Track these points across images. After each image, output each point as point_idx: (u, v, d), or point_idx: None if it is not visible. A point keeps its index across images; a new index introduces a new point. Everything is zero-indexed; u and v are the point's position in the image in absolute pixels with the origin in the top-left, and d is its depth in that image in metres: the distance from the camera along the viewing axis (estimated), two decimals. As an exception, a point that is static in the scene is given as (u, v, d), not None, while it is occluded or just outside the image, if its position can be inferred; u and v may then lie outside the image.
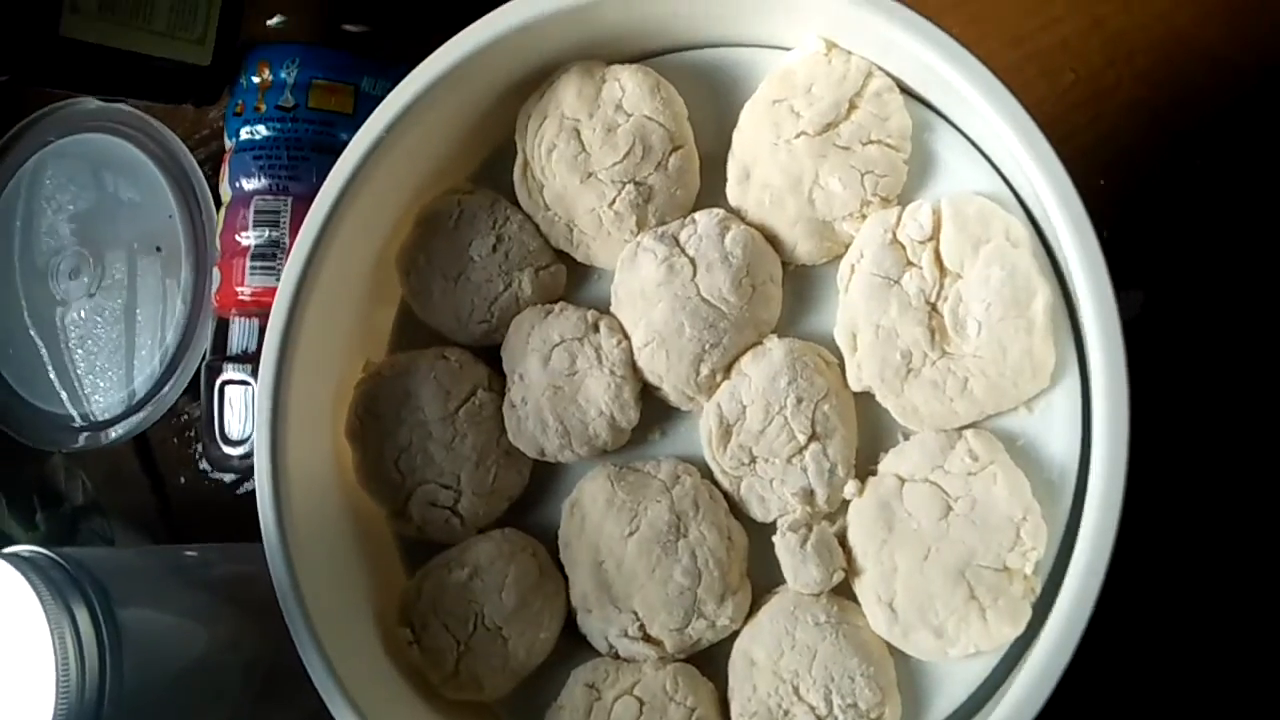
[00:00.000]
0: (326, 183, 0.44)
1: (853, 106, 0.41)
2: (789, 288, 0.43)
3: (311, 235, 0.44)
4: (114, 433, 0.64)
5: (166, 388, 0.61)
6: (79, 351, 0.65)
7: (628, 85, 0.44)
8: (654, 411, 0.45)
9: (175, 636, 0.44)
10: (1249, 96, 0.50)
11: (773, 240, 0.43)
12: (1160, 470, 0.49)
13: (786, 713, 0.39)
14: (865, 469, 0.41)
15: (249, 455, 0.54)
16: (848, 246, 0.42)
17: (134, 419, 0.63)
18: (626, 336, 0.44)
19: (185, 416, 0.65)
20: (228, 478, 0.63)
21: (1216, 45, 0.50)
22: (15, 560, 0.39)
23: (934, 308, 0.39)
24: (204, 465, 0.63)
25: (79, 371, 0.64)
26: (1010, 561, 0.37)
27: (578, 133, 0.44)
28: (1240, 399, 0.50)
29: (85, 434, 0.65)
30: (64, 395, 0.65)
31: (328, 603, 0.43)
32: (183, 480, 0.65)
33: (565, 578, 0.44)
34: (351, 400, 0.46)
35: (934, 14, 0.37)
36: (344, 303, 0.46)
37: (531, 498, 0.46)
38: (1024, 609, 0.37)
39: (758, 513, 0.42)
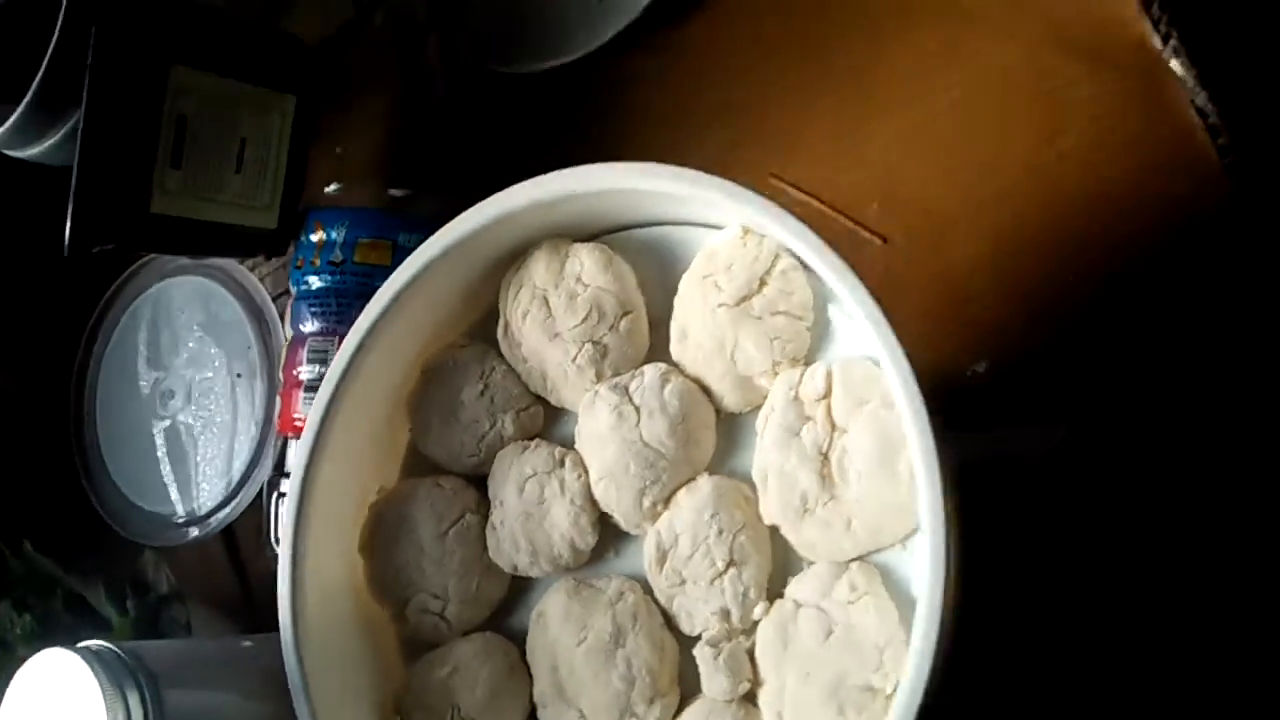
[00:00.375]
0: (346, 339, 0.53)
1: (763, 282, 0.48)
2: (720, 431, 0.50)
3: (334, 378, 0.53)
4: (194, 531, 0.75)
5: (235, 500, 0.71)
6: (173, 461, 0.76)
7: (586, 261, 0.51)
8: (609, 535, 0.51)
9: (218, 714, 0.53)
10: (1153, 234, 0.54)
11: (706, 391, 0.50)
12: (1080, 600, 0.53)
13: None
14: (776, 592, 0.47)
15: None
16: (765, 398, 0.48)
17: (217, 516, 0.74)
18: (586, 471, 0.51)
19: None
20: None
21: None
22: (84, 653, 0.48)
23: (825, 457, 0.45)
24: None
25: (173, 478, 0.76)
26: (874, 681, 0.42)
27: (546, 300, 0.52)
28: (1158, 529, 0.53)
29: (187, 528, 0.76)
30: (170, 495, 0.76)
31: (335, 691, 0.51)
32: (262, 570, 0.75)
33: (531, 677, 0.51)
34: (364, 520, 0.55)
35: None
36: (363, 434, 0.55)
37: (509, 605, 0.53)
38: None
39: (685, 626, 0.48)
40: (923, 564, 0.43)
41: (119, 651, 0.50)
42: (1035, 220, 0.56)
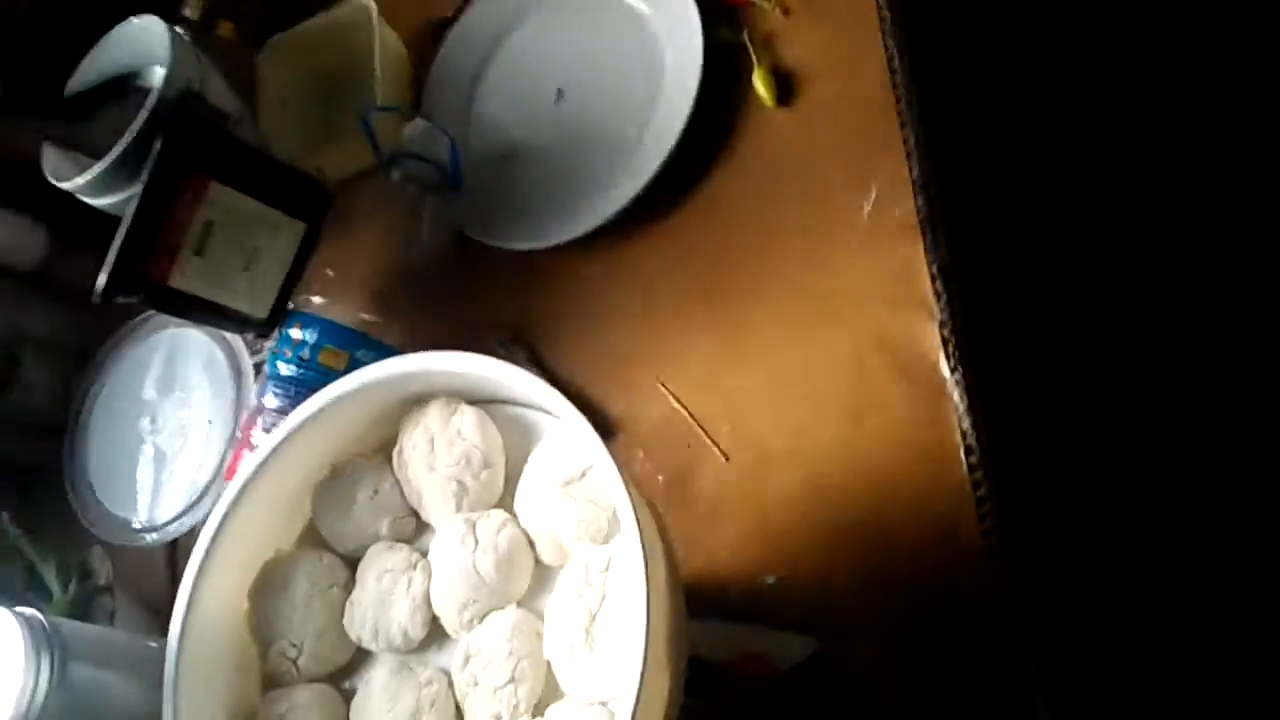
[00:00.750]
0: (276, 430, 0.68)
1: (584, 474, 0.62)
2: (535, 574, 0.64)
3: (259, 457, 0.67)
4: (149, 538, 0.89)
5: (181, 521, 0.86)
6: (144, 476, 0.91)
7: (467, 420, 0.66)
8: (436, 632, 0.64)
9: (105, 689, 0.67)
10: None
11: (531, 542, 0.64)
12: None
13: None
14: (539, 711, 0.60)
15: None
16: (569, 561, 0.62)
17: (166, 530, 0.88)
18: (430, 578, 0.65)
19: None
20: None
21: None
22: (19, 616, 0.63)
23: (594, 618, 0.59)
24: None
25: (140, 490, 0.90)
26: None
27: (433, 441, 0.66)
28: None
29: (140, 534, 0.90)
30: (135, 503, 0.91)
31: (201, 702, 0.64)
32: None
33: (352, 730, 0.64)
34: (258, 572, 0.69)
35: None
36: (274, 505, 0.67)
37: (349, 668, 0.66)
38: None
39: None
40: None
41: (45, 623, 0.64)
42: (835, 478, 0.70)
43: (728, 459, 0.73)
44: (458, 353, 0.62)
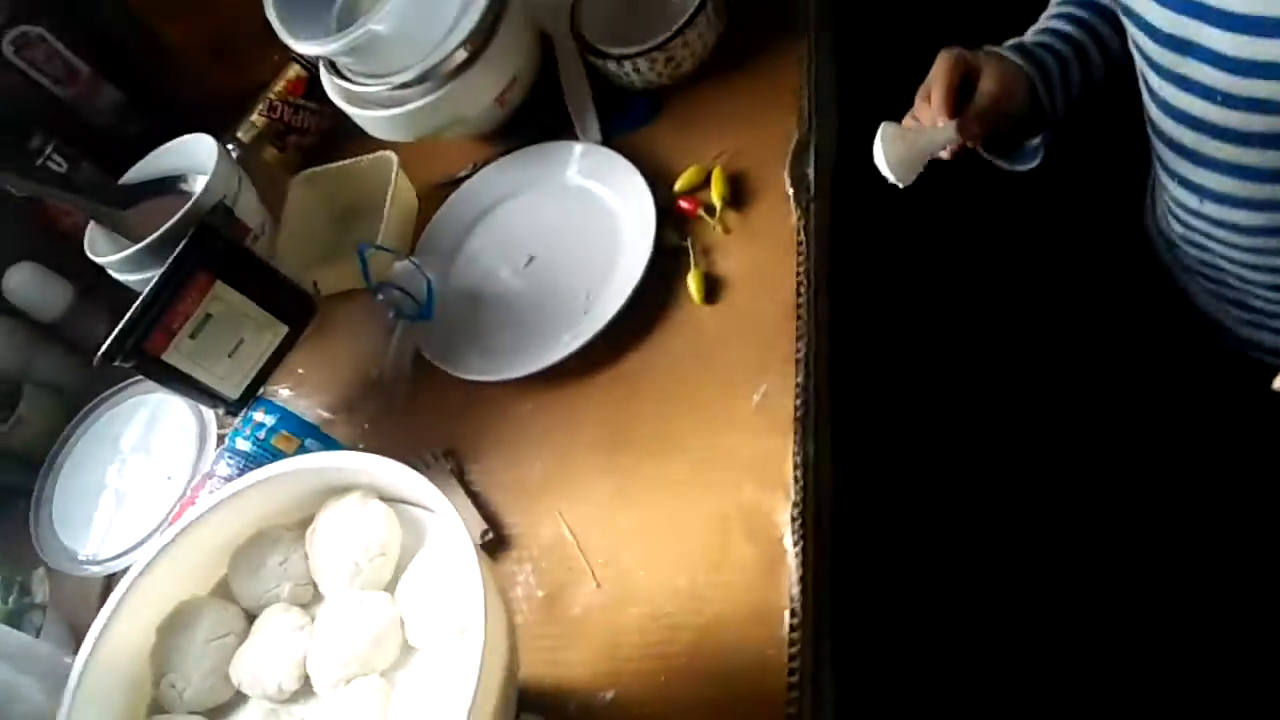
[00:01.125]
0: (209, 499, 0.79)
1: (454, 574, 0.72)
2: (403, 652, 0.74)
3: (181, 524, 0.78)
4: (91, 569, 0.98)
5: (122, 560, 0.96)
6: (100, 514, 1.01)
7: (375, 512, 0.76)
8: (307, 690, 0.73)
9: (13, 689, 0.75)
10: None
11: (403, 623, 0.74)
12: None
13: None
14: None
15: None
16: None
17: (107, 565, 0.98)
18: (311, 641, 0.75)
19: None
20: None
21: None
22: None
23: (435, 698, 0.68)
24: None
25: (93, 526, 1.01)
26: None
27: (343, 525, 0.76)
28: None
29: (83, 564, 1.00)
30: (85, 536, 1.01)
31: (93, 714, 0.73)
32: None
33: None
34: (171, 610, 0.79)
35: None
36: (193, 561, 0.78)
37: (225, 709, 0.75)
38: None
39: None
40: None
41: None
42: (677, 616, 0.80)
43: (599, 586, 0.83)
44: (375, 456, 0.74)
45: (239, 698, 0.74)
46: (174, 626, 0.76)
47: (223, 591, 0.79)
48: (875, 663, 0.97)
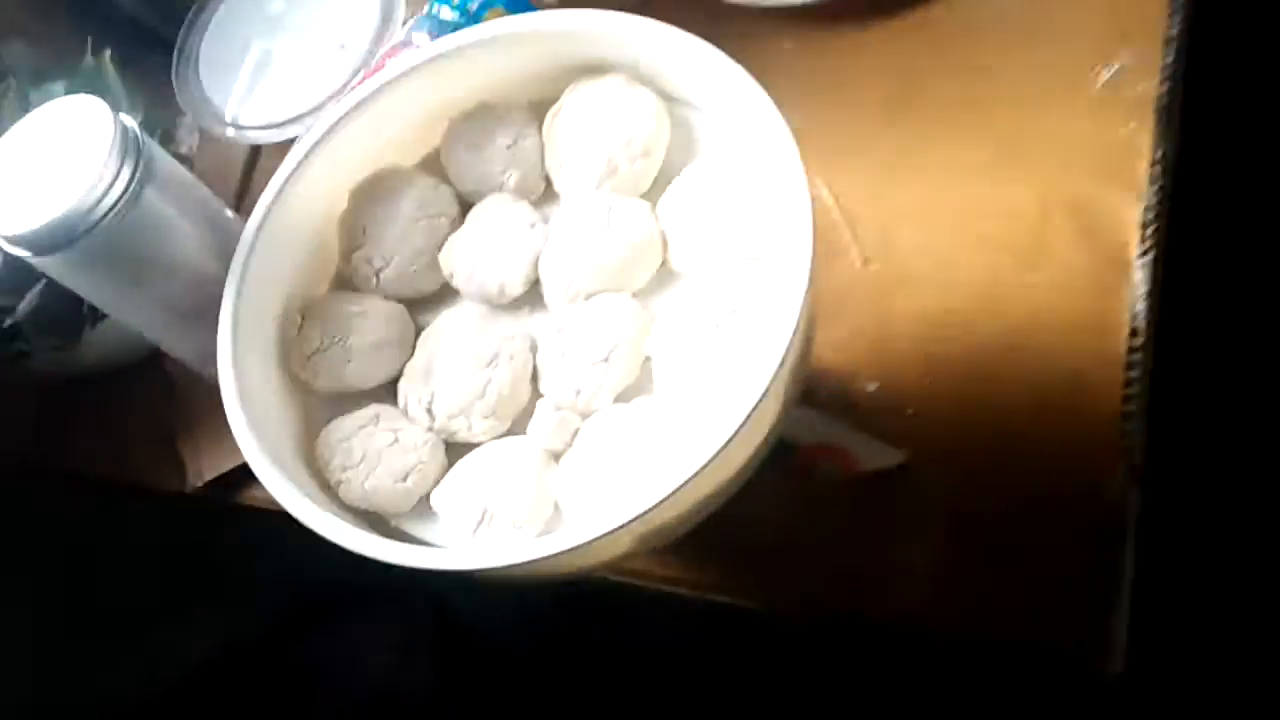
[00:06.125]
0: (427, 49, 0.62)
1: (745, 190, 0.56)
2: (658, 276, 0.58)
3: (401, 69, 0.61)
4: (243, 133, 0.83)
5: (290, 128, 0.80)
6: (248, 74, 0.84)
7: (645, 102, 0.58)
8: (532, 297, 0.59)
9: (169, 227, 0.61)
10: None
11: (665, 242, 0.58)
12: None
13: (472, 497, 0.53)
14: (622, 400, 0.55)
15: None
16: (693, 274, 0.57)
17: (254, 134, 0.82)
18: (544, 244, 0.60)
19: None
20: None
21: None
22: (117, 117, 0.57)
23: (716, 328, 0.53)
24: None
25: (239, 84, 0.84)
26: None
27: (599, 112, 0.59)
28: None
29: (224, 128, 0.83)
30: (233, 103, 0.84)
31: (257, 280, 0.58)
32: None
33: (413, 353, 0.59)
34: (369, 174, 0.63)
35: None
36: (404, 120, 0.62)
37: (425, 303, 0.61)
38: None
39: (545, 388, 0.55)
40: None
41: (139, 135, 0.58)
42: (971, 314, 0.64)
43: (865, 264, 0.68)
44: (651, 22, 0.56)
45: (447, 292, 0.59)
46: (373, 194, 0.61)
47: (432, 168, 0.62)
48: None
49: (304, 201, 0.61)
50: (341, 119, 0.61)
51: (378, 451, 0.55)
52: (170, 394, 0.79)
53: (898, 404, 0.63)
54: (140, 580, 0.92)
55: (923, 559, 0.59)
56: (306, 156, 0.60)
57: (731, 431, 0.46)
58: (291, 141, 0.80)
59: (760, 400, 0.46)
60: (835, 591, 0.61)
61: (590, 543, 0.45)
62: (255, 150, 0.83)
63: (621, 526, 0.45)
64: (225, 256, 0.59)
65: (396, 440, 0.55)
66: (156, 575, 0.93)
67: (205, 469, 0.74)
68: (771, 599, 0.62)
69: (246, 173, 0.83)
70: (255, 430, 0.54)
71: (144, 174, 0.57)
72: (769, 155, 0.53)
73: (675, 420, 0.51)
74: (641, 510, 0.45)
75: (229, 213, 0.67)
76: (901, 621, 0.59)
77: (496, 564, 0.46)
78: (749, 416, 0.46)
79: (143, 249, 0.60)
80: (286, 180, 0.60)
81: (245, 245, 0.58)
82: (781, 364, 0.47)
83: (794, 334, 0.47)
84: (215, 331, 0.56)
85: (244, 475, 0.65)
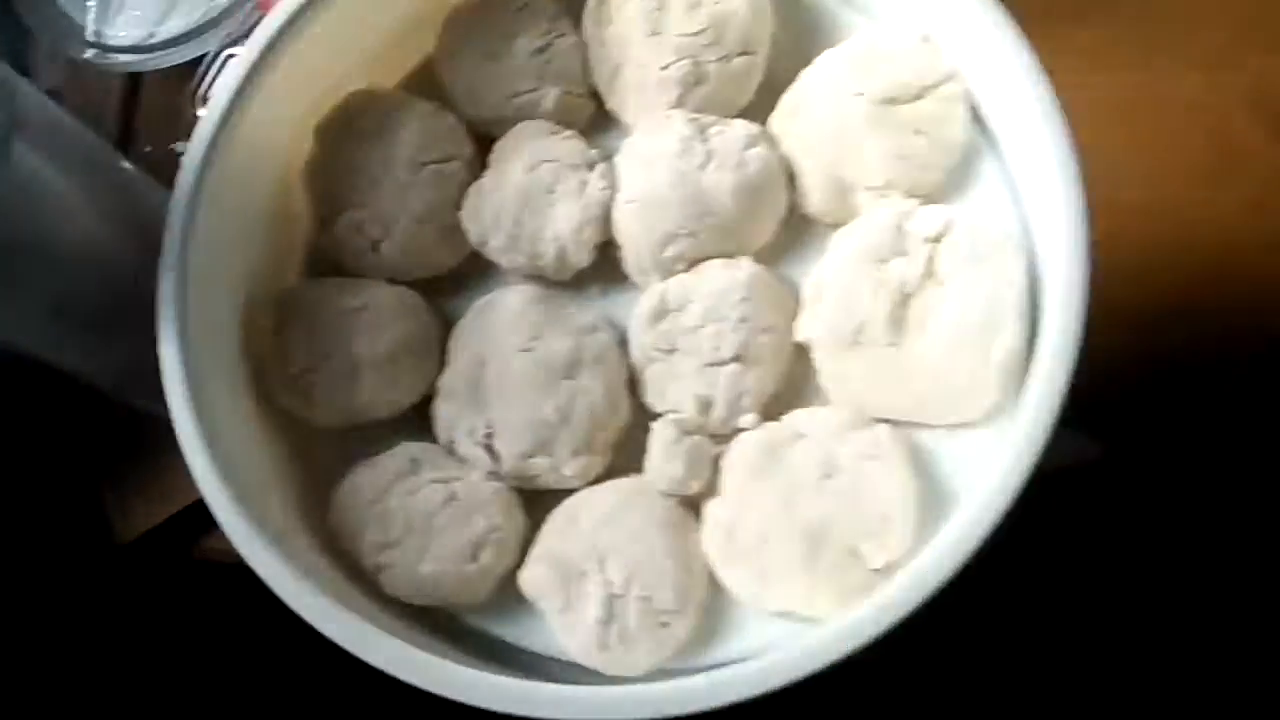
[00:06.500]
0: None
1: (920, 96, 0.41)
2: (787, 227, 0.42)
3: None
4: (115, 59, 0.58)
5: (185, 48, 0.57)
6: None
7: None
8: (603, 269, 0.42)
9: (49, 193, 0.39)
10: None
11: (793, 179, 0.42)
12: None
13: (583, 574, 0.37)
14: (771, 414, 0.40)
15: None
16: (854, 218, 0.41)
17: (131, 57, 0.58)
18: (615, 189, 0.42)
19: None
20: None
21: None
22: None
23: (906, 300, 0.38)
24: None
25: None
26: (863, 548, 0.35)
27: (663, -4, 0.43)
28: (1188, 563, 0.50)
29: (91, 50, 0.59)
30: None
31: (205, 263, 0.39)
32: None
33: (443, 365, 0.41)
34: (337, 103, 0.43)
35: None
36: (368, 25, 0.43)
37: (446, 286, 0.43)
38: (849, 593, 0.35)
39: (653, 399, 0.40)
40: (976, 465, 0.37)
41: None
42: (1164, 239, 0.52)
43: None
44: None
45: (474, 267, 0.42)
46: (350, 130, 0.42)
47: (427, 89, 0.43)
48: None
49: (253, 148, 0.41)
50: (290, 21, 0.41)
51: (427, 516, 0.38)
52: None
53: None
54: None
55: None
56: (247, 80, 0.40)
57: (1027, 462, 0.32)
58: (190, 67, 0.57)
59: (1055, 413, 0.32)
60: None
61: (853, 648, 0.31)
62: (133, 80, 0.59)
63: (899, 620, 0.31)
64: (138, 234, 0.39)
65: (453, 498, 0.38)
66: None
67: (136, 518, 0.53)
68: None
69: (124, 112, 0.59)
70: (241, 503, 0.36)
71: (6, 120, 0.35)
72: (974, 49, 0.38)
73: (883, 442, 0.37)
74: (929, 589, 0.31)
75: (127, 166, 0.45)
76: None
77: (702, 705, 0.31)
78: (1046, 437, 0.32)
79: (15, 229, 0.38)
80: (225, 117, 0.40)
81: (178, 215, 0.39)
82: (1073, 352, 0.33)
83: (1079, 302, 0.33)
84: (135, 345, 0.37)
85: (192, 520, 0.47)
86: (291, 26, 0.40)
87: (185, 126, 0.53)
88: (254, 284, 0.41)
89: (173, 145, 0.57)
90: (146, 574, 0.51)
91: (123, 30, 0.58)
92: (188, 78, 0.57)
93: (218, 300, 0.40)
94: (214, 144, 0.39)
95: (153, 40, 0.57)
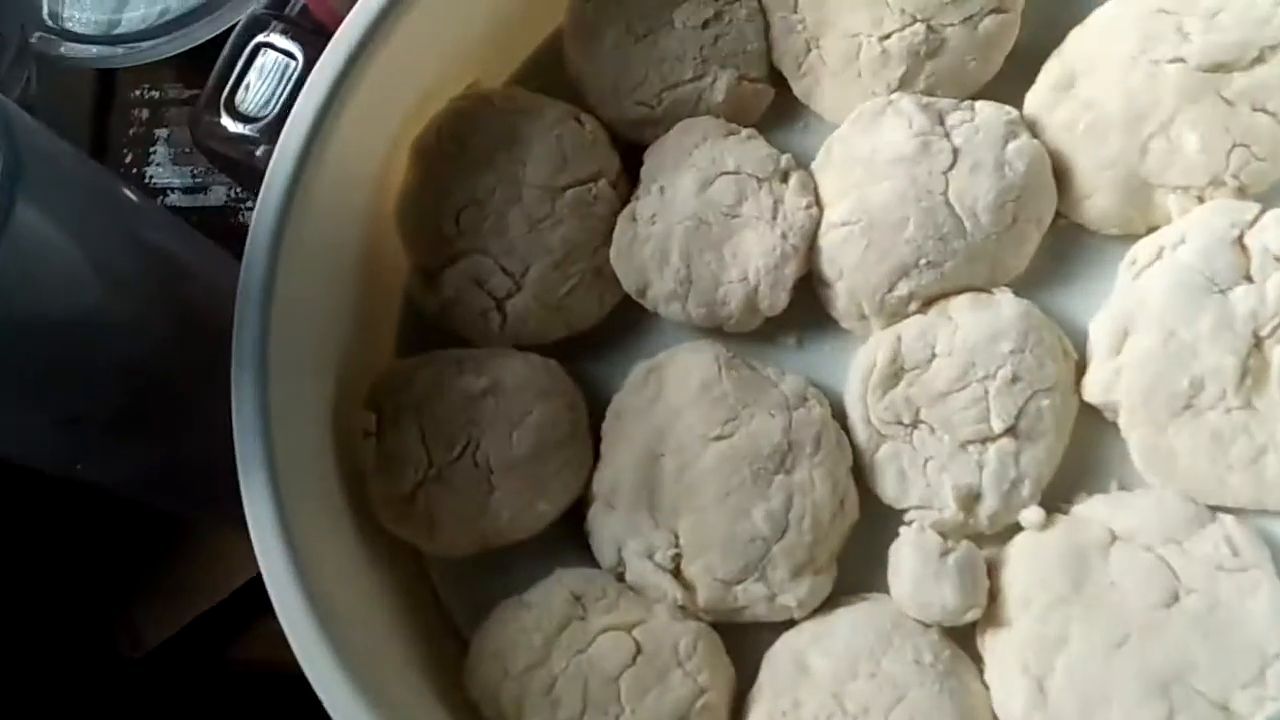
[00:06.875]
0: None
1: (1261, 59, 0.29)
2: (1047, 243, 0.31)
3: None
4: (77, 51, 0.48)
5: (184, 30, 0.46)
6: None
7: None
8: (802, 311, 0.32)
9: (68, 266, 0.29)
10: None
11: (1062, 176, 0.31)
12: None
13: (833, 753, 0.27)
14: (1050, 503, 0.29)
15: (254, 139, 0.40)
16: (1154, 228, 0.30)
17: (114, 50, 0.48)
18: (820, 205, 0.31)
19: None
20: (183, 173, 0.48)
21: None
22: None
23: (1260, 343, 0.27)
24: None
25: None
26: (1235, 702, 0.25)
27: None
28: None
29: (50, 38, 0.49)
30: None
31: (285, 349, 0.29)
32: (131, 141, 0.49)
33: (597, 456, 0.31)
34: (438, 114, 0.33)
35: None
36: (462, 18, 0.33)
37: (593, 345, 0.33)
38: None
39: (889, 491, 0.29)
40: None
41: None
42: None
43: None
44: None
45: (637, 325, 0.31)
46: (461, 148, 0.33)
47: (549, 85, 0.33)
48: None
49: (340, 184, 0.31)
50: (386, 10, 0.30)
51: (609, 683, 0.28)
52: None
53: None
54: None
55: None
56: (333, 93, 0.30)
57: None
58: (177, 63, 0.46)
59: None
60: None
61: None
62: (107, 77, 0.49)
63: None
64: (165, 298, 0.29)
65: (638, 651, 0.28)
66: None
67: (148, 630, 0.44)
68: None
69: (98, 116, 0.49)
70: (347, 669, 0.26)
71: (6, 191, 0.25)
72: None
73: (1241, 545, 0.26)
74: None
75: (133, 199, 0.35)
76: None
77: None
78: None
79: (8, 307, 0.28)
80: (307, 146, 0.29)
81: (254, 289, 0.29)
82: None
83: None
84: (161, 443, 0.28)
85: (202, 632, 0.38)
86: (387, 17, 0.30)
87: (206, 134, 0.42)
88: (345, 369, 0.31)
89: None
90: (166, 686, 0.42)
91: (81, 13, 0.48)
92: (180, 75, 0.47)
93: (300, 396, 0.29)
94: (295, 183, 0.29)
95: (120, 30, 0.47)
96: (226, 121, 0.41)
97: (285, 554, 0.27)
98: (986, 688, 0.27)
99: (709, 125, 0.32)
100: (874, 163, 0.30)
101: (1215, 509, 0.27)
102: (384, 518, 0.30)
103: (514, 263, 0.31)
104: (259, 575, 0.27)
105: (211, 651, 0.41)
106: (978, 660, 0.28)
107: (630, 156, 0.33)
